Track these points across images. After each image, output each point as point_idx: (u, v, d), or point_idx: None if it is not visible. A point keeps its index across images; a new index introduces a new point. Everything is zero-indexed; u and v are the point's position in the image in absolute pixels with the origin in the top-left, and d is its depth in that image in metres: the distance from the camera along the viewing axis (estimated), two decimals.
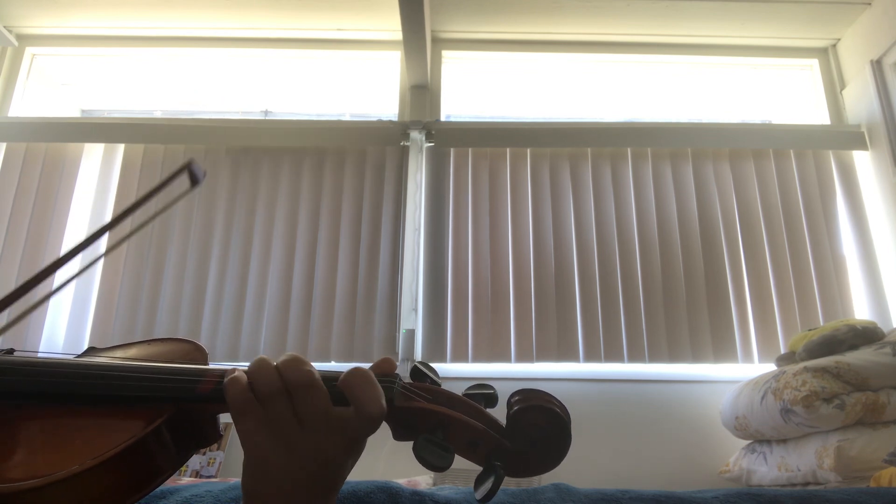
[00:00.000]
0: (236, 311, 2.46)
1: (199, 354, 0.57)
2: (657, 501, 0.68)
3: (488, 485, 0.46)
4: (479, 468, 0.49)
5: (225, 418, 0.55)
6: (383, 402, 0.45)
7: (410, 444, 0.47)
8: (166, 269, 2.50)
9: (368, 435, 0.46)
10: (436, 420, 0.48)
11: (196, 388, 0.48)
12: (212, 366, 0.53)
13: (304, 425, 0.45)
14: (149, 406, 0.48)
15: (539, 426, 0.48)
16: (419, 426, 0.48)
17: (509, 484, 2.07)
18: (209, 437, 0.52)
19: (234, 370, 0.48)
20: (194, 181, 0.63)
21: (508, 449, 0.48)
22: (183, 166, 0.62)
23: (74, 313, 2.47)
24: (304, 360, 0.46)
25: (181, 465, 0.50)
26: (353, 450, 0.47)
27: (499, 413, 0.51)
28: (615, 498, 0.68)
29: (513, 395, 0.49)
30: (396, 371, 0.50)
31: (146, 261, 2.51)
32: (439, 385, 0.51)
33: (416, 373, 0.52)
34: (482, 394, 0.51)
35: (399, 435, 0.49)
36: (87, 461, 0.42)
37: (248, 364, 0.48)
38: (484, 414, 0.50)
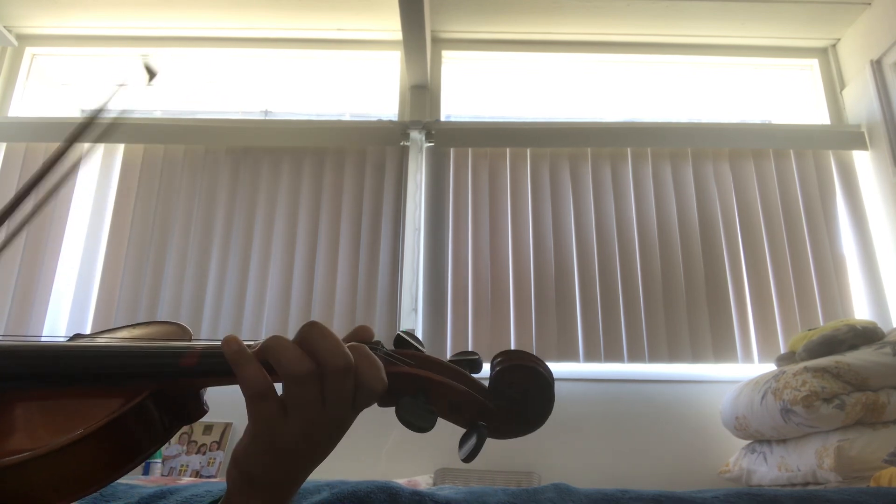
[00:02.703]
0: (236, 311, 2.46)
1: (184, 334, 0.57)
2: (657, 501, 0.68)
3: (471, 444, 0.46)
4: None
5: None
6: (385, 377, 0.44)
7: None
8: (166, 269, 2.50)
9: (367, 407, 0.46)
10: (418, 383, 0.47)
11: (179, 362, 0.48)
12: (195, 342, 0.52)
13: (327, 407, 0.44)
14: (131, 383, 0.47)
15: (522, 385, 0.48)
16: (402, 390, 0.47)
17: (511, 483, 2.07)
18: (192, 413, 0.51)
19: (233, 337, 0.45)
20: (152, 75, 0.63)
21: (492, 409, 0.48)
22: (140, 63, 0.62)
23: (75, 309, 2.47)
24: (336, 338, 0.44)
25: (164, 442, 0.49)
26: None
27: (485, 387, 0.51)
28: (615, 498, 0.68)
29: (496, 356, 0.50)
30: (376, 339, 0.50)
31: (147, 261, 2.51)
32: (422, 352, 0.51)
33: (399, 341, 0.51)
34: (466, 359, 0.51)
35: (382, 401, 0.48)
36: (69, 436, 0.42)
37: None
38: (466, 376, 0.50)
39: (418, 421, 0.45)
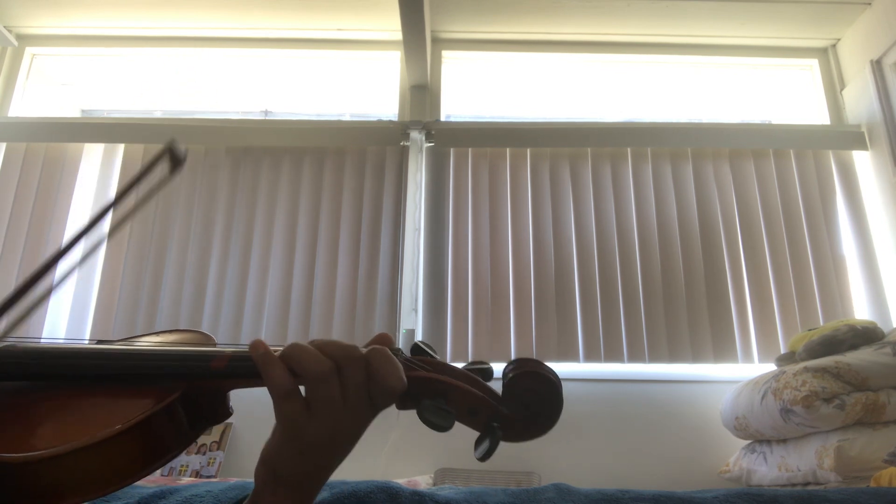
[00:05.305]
0: (236, 311, 2.46)
1: (208, 340, 0.60)
2: (657, 501, 0.68)
3: (486, 445, 0.49)
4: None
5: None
6: (404, 376, 0.47)
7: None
8: (166, 269, 2.50)
9: (387, 407, 0.49)
10: (437, 388, 0.51)
11: (210, 364, 0.51)
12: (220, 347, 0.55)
13: (347, 403, 0.47)
14: (163, 383, 0.50)
15: (532, 391, 0.51)
16: (421, 394, 0.50)
17: (511, 483, 2.07)
18: (219, 415, 0.55)
19: (259, 341, 0.48)
20: (177, 162, 0.65)
21: (505, 414, 0.51)
22: (164, 148, 0.65)
23: (75, 309, 2.47)
24: (336, 340, 0.48)
25: (192, 443, 0.52)
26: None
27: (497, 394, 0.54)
28: (615, 498, 0.68)
29: (507, 364, 0.53)
30: (397, 346, 0.53)
31: (146, 261, 2.51)
32: (437, 359, 0.54)
33: (416, 349, 0.55)
34: (479, 368, 0.55)
35: (402, 404, 0.51)
36: (104, 432, 0.45)
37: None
38: (481, 383, 0.53)
39: (439, 420, 0.48)
